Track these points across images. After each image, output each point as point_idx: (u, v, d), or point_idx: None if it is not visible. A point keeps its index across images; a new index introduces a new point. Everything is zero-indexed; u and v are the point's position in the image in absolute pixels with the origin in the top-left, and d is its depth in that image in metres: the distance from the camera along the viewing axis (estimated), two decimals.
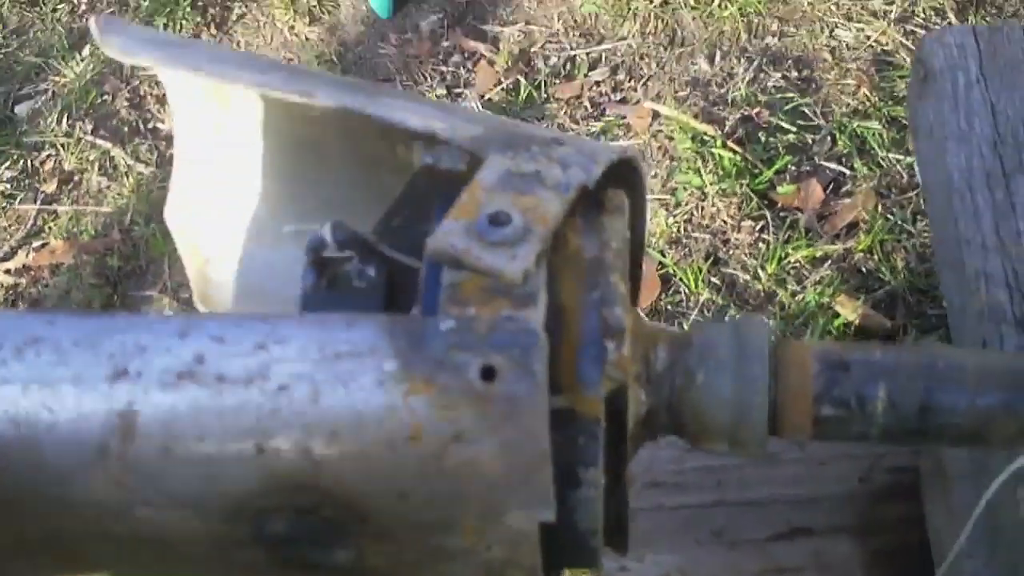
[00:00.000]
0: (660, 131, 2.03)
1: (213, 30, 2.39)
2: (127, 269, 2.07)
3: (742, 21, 2.15)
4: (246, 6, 2.41)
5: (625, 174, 0.54)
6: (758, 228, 1.87)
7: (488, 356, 0.42)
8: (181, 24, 2.38)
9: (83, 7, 2.48)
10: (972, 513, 0.77)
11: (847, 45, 2.08)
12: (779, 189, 1.91)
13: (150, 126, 2.29)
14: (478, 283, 0.45)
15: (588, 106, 2.10)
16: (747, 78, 2.07)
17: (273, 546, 0.46)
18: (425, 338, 0.43)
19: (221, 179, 0.68)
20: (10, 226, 2.20)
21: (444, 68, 2.24)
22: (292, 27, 2.35)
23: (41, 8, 2.49)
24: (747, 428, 0.53)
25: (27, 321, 0.47)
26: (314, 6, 2.37)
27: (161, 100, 2.32)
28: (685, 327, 1.70)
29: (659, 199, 1.91)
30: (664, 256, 1.84)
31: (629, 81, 2.14)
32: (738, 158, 1.94)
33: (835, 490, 1.24)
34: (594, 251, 0.49)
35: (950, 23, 2.05)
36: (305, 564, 0.47)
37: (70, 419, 0.44)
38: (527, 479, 0.43)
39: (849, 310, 1.73)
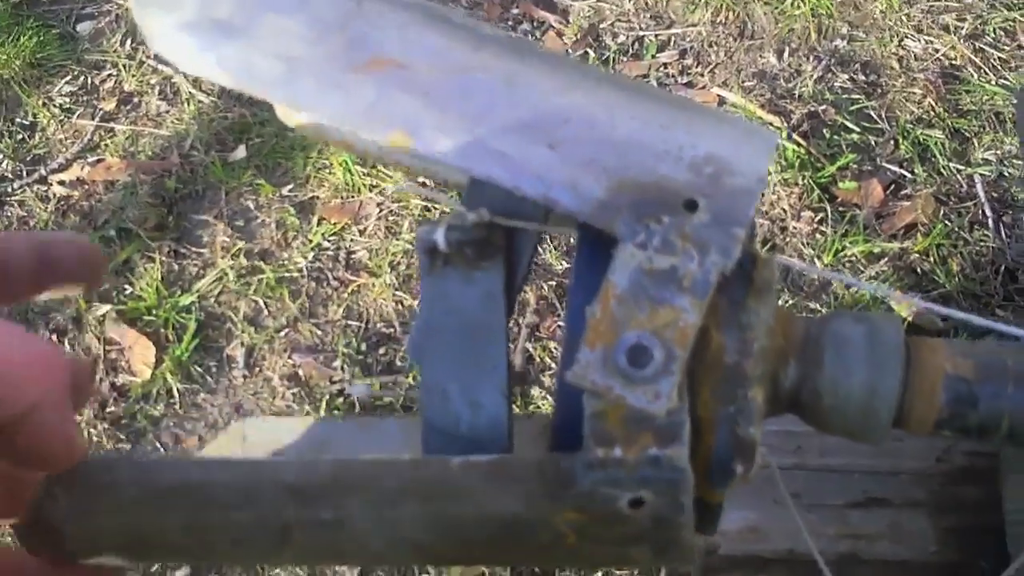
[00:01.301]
0: None
1: None
2: (184, 192, 2.07)
3: (813, 21, 2.19)
4: None
5: None
6: (817, 219, 1.90)
7: (637, 490, 0.45)
8: None
9: None
10: None
11: (915, 55, 2.12)
12: (840, 185, 1.94)
13: None
14: (620, 412, 0.45)
15: (655, 85, 2.12)
16: (815, 76, 2.10)
17: None
18: (575, 477, 0.45)
19: None
20: (66, 139, 2.21)
21: (512, 34, 2.26)
22: None
23: None
24: (864, 440, 0.55)
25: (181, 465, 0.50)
26: None
27: None
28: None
29: None
30: None
31: (697, 66, 2.17)
32: (802, 151, 1.98)
33: (912, 465, 1.27)
34: (734, 356, 0.48)
35: (1019, 45, 2.09)
36: None
37: None
38: (674, 559, 0.48)
39: (903, 307, 1.76)
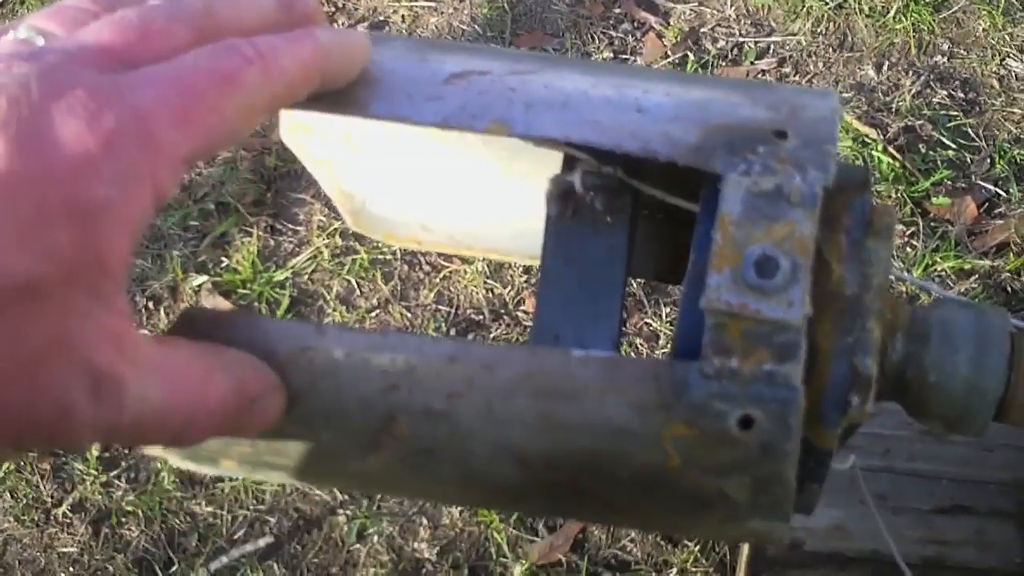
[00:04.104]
0: None
1: None
2: (283, 170, 2.12)
3: (913, 37, 2.19)
4: None
5: None
6: (908, 233, 1.91)
7: (747, 407, 0.45)
8: None
9: None
10: None
11: (1016, 75, 2.12)
12: (933, 200, 1.95)
13: None
14: (741, 326, 0.46)
15: None
16: (913, 91, 2.11)
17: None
18: (688, 385, 0.46)
19: None
20: None
21: (613, 33, 2.29)
22: None
23: None
24: (966, 427, 0.55)
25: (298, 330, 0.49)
26: None
27: (333, 19, 2.38)
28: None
29: None
30: None
31: (795, 75, 2.18)
32: (896, 164, 1.98)
33: (1000, 476, 1.28)
34: (854, 288, 0.50)
35: None
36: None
37: None
38: (772, 505, 0.48)
39: None
